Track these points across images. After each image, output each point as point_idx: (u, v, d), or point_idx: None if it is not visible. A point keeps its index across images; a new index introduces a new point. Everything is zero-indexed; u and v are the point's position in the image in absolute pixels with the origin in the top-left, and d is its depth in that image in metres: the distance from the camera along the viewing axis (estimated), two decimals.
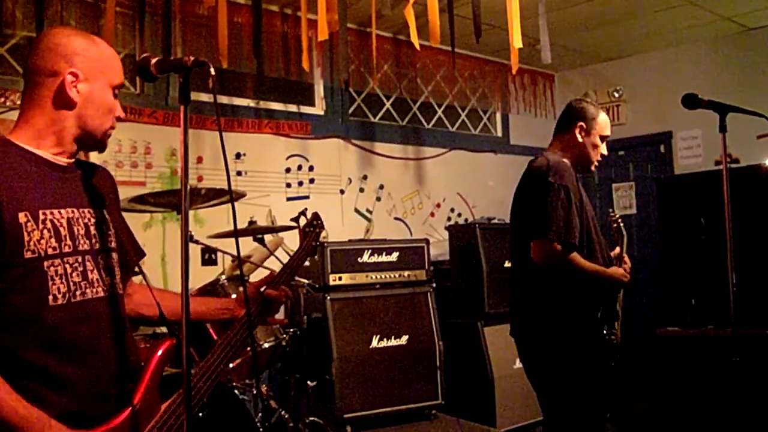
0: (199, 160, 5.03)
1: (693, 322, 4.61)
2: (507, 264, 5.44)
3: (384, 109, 6.37)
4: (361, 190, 6.05)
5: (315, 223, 2.54)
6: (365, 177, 6.08)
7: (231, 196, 1.85)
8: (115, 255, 1.86)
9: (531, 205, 3.06)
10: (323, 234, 2.58)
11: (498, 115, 7.31)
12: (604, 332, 3.07)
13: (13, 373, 1.59)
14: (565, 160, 3.16)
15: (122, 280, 1.89)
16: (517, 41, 4.53)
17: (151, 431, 1.74)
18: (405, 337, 5.13)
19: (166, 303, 2.00)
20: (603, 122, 3.23)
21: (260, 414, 3.61)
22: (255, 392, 3.68)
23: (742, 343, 2.63)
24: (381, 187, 6.18)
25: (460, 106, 6.95)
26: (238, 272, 3.83)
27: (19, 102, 4.40)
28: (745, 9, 5.87)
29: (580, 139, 3.20)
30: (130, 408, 1.72)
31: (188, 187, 1.59)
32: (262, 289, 2.16)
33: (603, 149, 3.26)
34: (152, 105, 4.89)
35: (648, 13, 5.91)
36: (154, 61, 1.69)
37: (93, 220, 1.81)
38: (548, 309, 3.05)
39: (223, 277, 3.72)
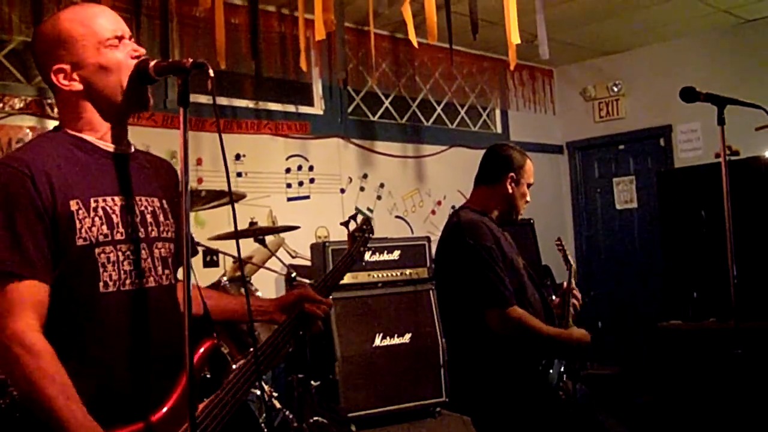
0: (199, 161, 5.03)
1: (695, 315, 4.61)
2: None
3: (383, 108, 6.37)
4: (362, 189, 6.05)
5: (364, 228, 2.44)
6: (365, 176, 6.09)
7: (231, 197, 1.85)
8: (171, 246, 1.82)
9: (459, 273, 2.87)
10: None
11: (497, 112, 7.31)
12: (555, 388, 2.83)
13: (61, 355, 1.56)
14: (474, 216, 2.94)
15: (176, 272, 1.84)
16: (514, 37, 4.53)
17: None
18: (408, 335, 5.13)
19: (211, 302, 1.96)
20: (530, 170, 3.06)
21: (264, 414, 3.61)
22: (258, 393, 3.68)
23: (744, 335, 2.63)
24: (381, 185, 6.18)
25: (459, 103, 6.95)
26: (239, 273, 3.83)
27: (18, 107, 4.42)
28: (742, 1, 5.87)
29: (510, 191, 3.01)
30: (163, 410, 1.68)
31: (188, 189, 1.58)
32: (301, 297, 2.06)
33: (528, 196, 3.09)
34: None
35: (645, 7, 5.92)
36: (152, 63, 1.66)
37: (150, 209, 1.77)
38: (496, 378, 2.84)
39: (225, 278, 3.72)
